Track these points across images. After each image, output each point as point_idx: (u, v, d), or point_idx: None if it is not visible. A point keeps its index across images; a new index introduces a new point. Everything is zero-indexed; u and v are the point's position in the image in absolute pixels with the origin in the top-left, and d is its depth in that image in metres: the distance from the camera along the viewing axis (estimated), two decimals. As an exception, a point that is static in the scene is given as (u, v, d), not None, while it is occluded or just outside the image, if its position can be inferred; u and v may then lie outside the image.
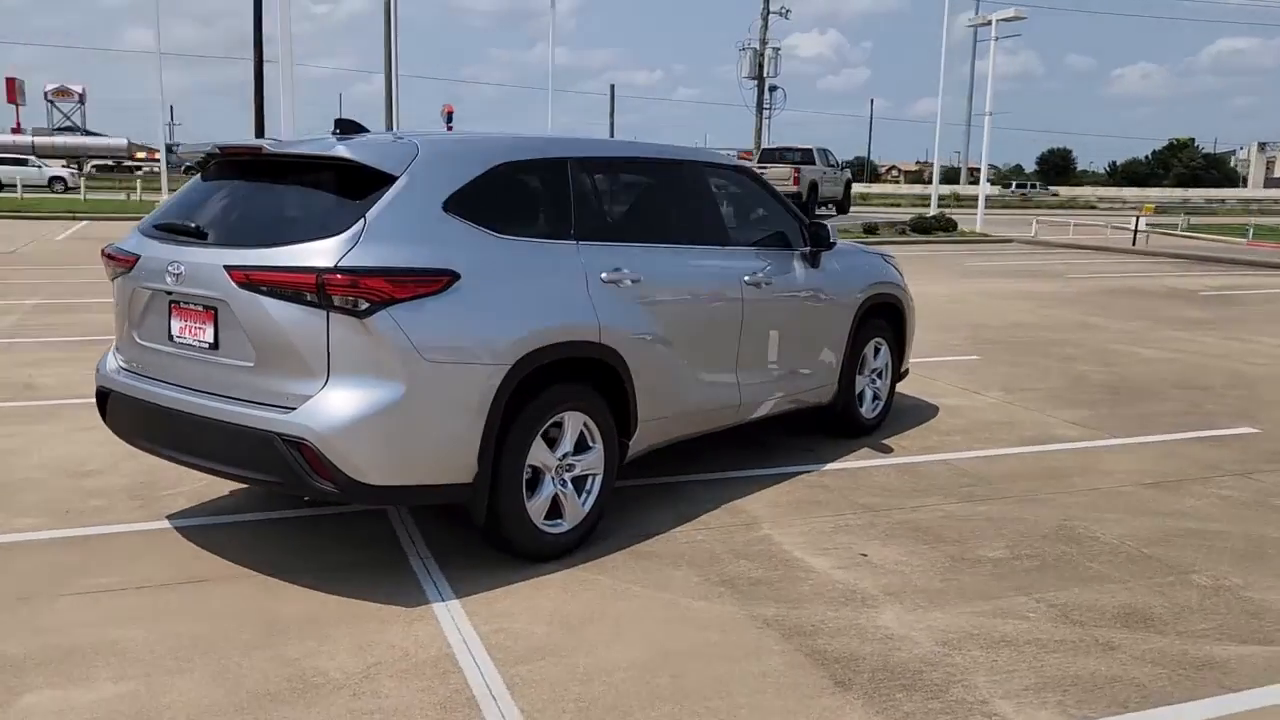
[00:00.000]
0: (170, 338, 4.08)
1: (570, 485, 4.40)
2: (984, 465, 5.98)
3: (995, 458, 6.16)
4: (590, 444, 4.47)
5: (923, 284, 16.36)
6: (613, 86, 42.05)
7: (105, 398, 4.42)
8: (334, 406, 3.68)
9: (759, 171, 26.89)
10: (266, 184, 4.13)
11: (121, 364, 4.38)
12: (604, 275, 4.46)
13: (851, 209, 34.77)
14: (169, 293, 4.04)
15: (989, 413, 7.33)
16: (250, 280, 3.73)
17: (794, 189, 27.09)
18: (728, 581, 4.19)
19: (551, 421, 4.27)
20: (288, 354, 3.74)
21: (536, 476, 4.28)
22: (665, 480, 5.48)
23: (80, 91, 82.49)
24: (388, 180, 3.89)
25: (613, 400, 4.55)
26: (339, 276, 3.63)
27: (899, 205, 50.68)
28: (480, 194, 4.12)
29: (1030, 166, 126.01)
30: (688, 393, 4.97)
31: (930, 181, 38.26)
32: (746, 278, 5.26)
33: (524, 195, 4.39)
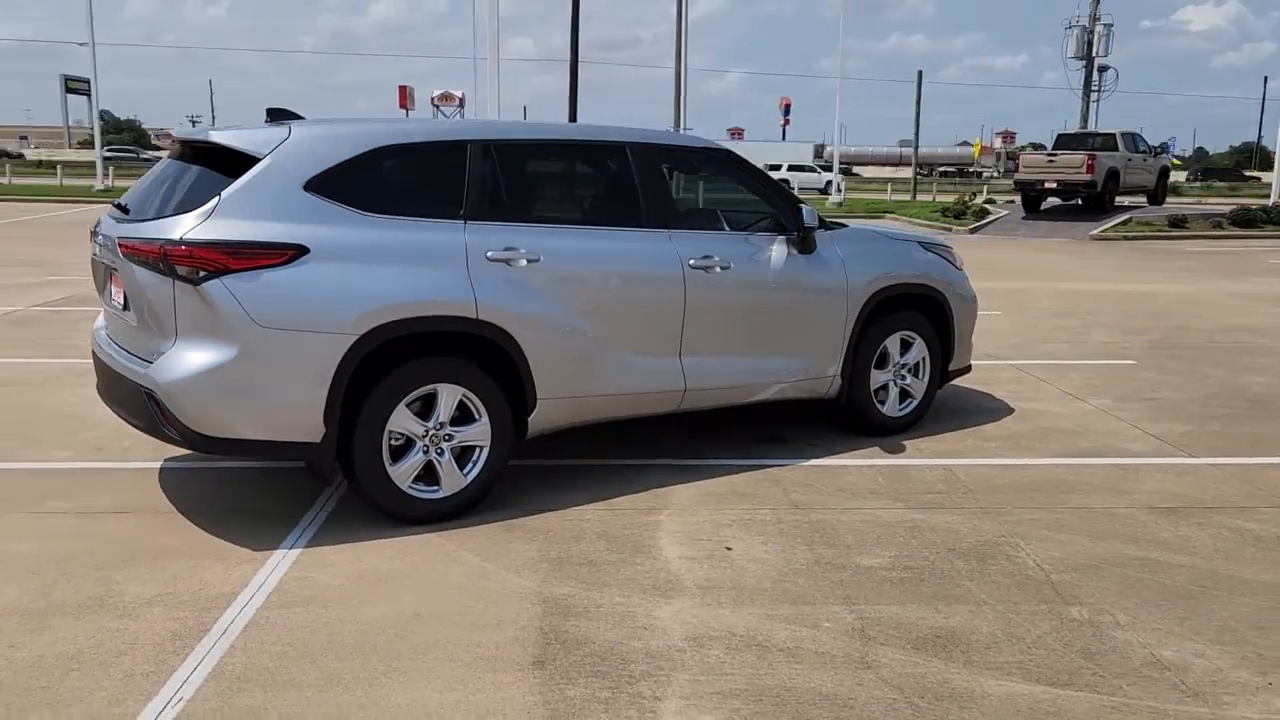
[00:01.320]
0: (110, 300, 4.73)
1: (449, 454, 4.59)
2: (988, 474, 5.45)
3: (1011, 467, 5.59)
4: (476, 417, 4.64)
5: (1167, 283, 14.65)
6: (920, 73, 40.29)
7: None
8: (175, 362, 4.14)
9: (1026, 156, 24.93)
10: (179, 165, 4.66)
11: (100, 325, 5.11)
12: (490, 254, 4.59)
13: (1169, 200, 31.30)
14: (103, 261, 4.68)
15: (1066, 421, 6.60)
16: (128, 250, 4.27)
17: (1087, 177, 24.81)
18: (561, 559, 4.22)
19: (421, 392, 4.49)
20: (151, 316, 4.25)
21: (408, 443, 4.52)
22: (623, 462, 5.50)
23: (460, 97, 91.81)
24: (252, 162, 4.29)
25: (506, 376, 4.68)
26: (180, 248, 4.08)
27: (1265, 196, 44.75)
28: (350, 175, 4.41)
29: None
30: (607, 374, 4.98)
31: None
32: (692, 261, 5.16)
33: (405, 176, 4.63)
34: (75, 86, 36.94)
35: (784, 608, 3.80)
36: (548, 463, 5.45)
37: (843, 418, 6.09)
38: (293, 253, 4.20)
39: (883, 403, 6.12)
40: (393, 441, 4.48)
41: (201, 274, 4.08)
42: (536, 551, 4.30)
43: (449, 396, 4.55)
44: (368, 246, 4.37)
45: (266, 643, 3.46)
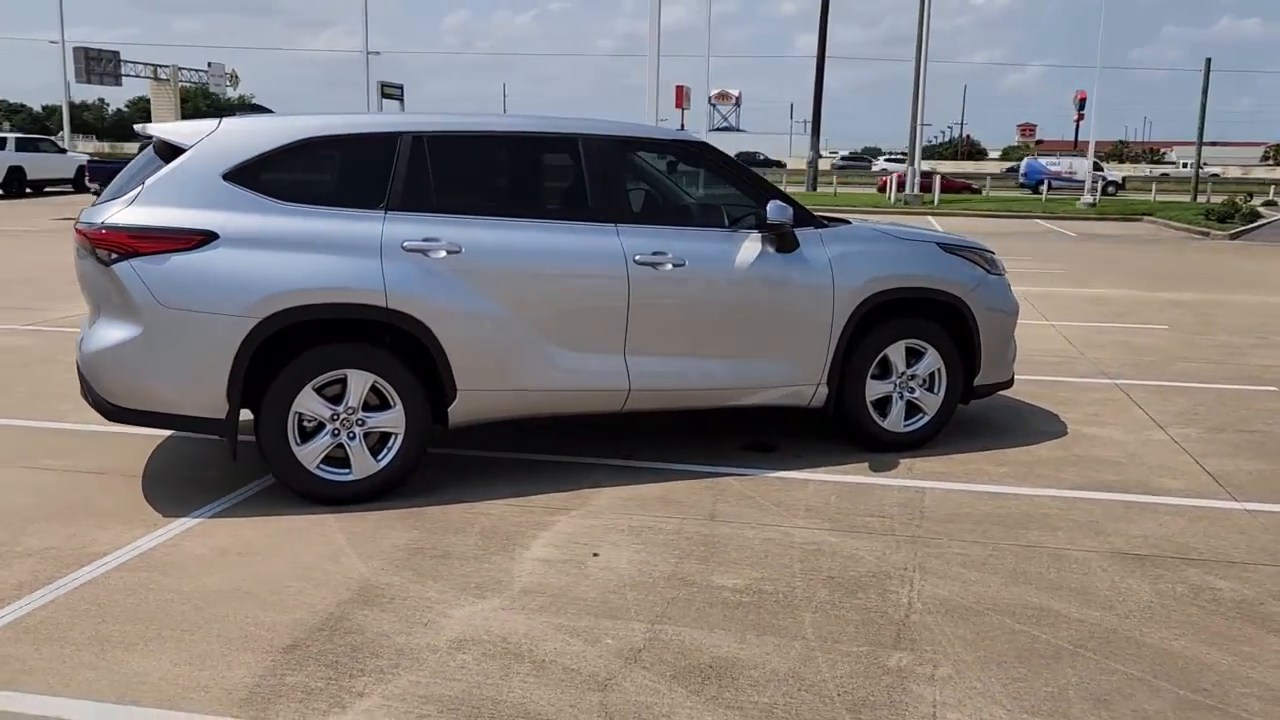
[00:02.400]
0: (87, 283, 5.20)
1: (360, 439, 4.71)
2: (959, 501, 4.93)
3: (994, 496, 5.02)
4: (391, 404, 4.73)
5: None
6: (1208, 61, 36.12)
7: None
8: (95, 337, 4.51)
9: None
10: (146, 156, 5.02)
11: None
12: (406, 244, 4.66)
13: None
14: None
15: (1115, 450, 5.83)
16: (77, 236, 4.69)
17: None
18: (420, 550, 4.23)
19: (331, 377, 4.63)
20: (88, 294, 4.65)
21: (319, 426, 4.68)
22: (580, 460, 5.43)
23: (737, 95, 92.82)
24: (179, 153, 4.58)
25: (423, 366, 4.74)
26: (101, 232, 4.43)
27: None
28: (271, 166, 4.62)
29: None
30: (538, 369, 4.91)
31: None
32: (637, 257, 4.99)
33: (328, 168, 4.78)
34: (390, 92, 41.18)
35: (585, 620, 3.63)
36: (500, 455, 5.47)
37: (842, 431, 5.70)
38: (201, 238, 4.45)
39: (884, 416, 5.65)
40: (305, 423, 4.65)
41: (113, 256, 4.41)
42: (407, 541, 4.34)
43: (359, 382, 4.66)
44: (280, 234, 4.56)
45: (80, 602, 3.71)
